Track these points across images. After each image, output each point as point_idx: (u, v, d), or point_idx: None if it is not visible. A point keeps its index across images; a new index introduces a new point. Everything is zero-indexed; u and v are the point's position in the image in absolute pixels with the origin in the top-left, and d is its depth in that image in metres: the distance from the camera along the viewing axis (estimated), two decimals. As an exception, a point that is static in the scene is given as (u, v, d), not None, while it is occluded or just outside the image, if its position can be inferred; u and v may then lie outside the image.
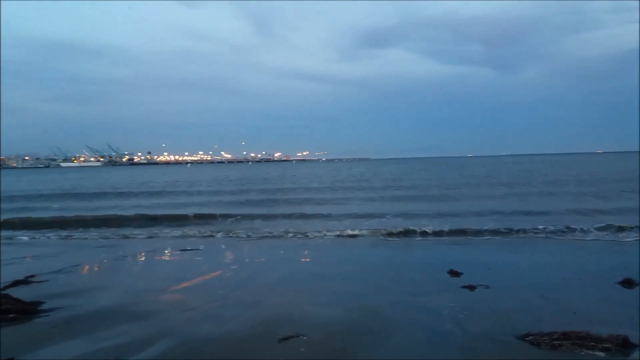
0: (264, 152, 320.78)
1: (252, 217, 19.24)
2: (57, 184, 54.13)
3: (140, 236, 15.39)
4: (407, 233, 14.12)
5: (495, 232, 13.81)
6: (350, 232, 14.50)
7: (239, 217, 19.11)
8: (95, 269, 10.48)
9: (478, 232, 13.92)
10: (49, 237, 15.57)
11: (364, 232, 14.50)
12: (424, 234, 13.99)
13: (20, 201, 29.51)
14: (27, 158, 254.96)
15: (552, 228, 13.85)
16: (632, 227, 13.55)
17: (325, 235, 14.32)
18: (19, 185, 51.85)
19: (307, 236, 14.34)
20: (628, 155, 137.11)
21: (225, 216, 19.38)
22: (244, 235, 14.89)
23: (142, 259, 11.74)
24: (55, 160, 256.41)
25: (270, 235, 14.77)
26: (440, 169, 74.65)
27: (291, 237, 14.45)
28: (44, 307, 6.96)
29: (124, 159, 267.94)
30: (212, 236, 15.10)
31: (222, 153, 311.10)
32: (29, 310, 6.64)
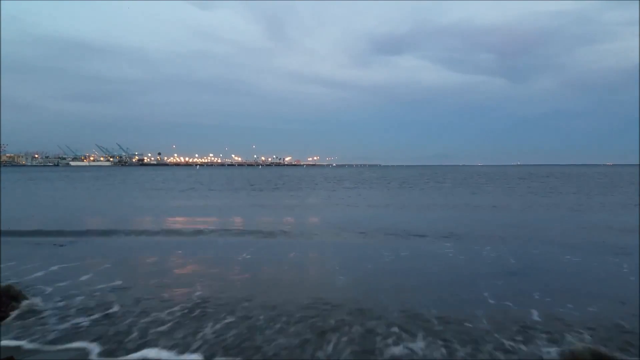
0: (274, 156, 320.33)
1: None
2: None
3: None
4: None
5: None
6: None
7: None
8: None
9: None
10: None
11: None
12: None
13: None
14: (36, 156, 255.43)
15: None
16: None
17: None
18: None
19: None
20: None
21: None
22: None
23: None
24: (64, 159, 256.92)
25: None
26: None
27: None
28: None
29: (134, 159, 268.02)
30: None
31: (233, 156, 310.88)
32: None
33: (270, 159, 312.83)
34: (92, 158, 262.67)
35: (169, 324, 6.15)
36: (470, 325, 6.25)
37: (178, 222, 17.21)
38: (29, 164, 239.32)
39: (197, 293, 7.68)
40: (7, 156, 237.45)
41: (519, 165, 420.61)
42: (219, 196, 31.28)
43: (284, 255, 11.16)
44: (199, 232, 14.53)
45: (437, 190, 37.90)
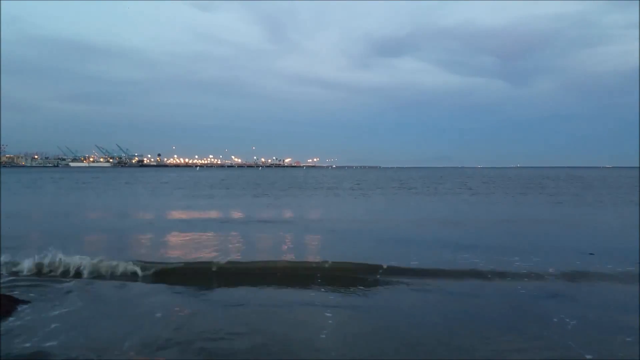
0: (274, 157, 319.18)
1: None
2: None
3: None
4: None
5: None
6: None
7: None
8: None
9: None
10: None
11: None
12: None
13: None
14: (36, 157, 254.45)
15: None
16: None
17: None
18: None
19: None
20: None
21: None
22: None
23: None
24: (64, 159, 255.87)
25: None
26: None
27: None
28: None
29: (133, 160, 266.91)
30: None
31: (233, 157, 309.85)
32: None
33: (270, 160, 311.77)
34: (91, 159, 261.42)
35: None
36: None
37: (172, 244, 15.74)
38: (29, 164, 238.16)
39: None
40: (6, 157, 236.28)
41: (519, 167, 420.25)
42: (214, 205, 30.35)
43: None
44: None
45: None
